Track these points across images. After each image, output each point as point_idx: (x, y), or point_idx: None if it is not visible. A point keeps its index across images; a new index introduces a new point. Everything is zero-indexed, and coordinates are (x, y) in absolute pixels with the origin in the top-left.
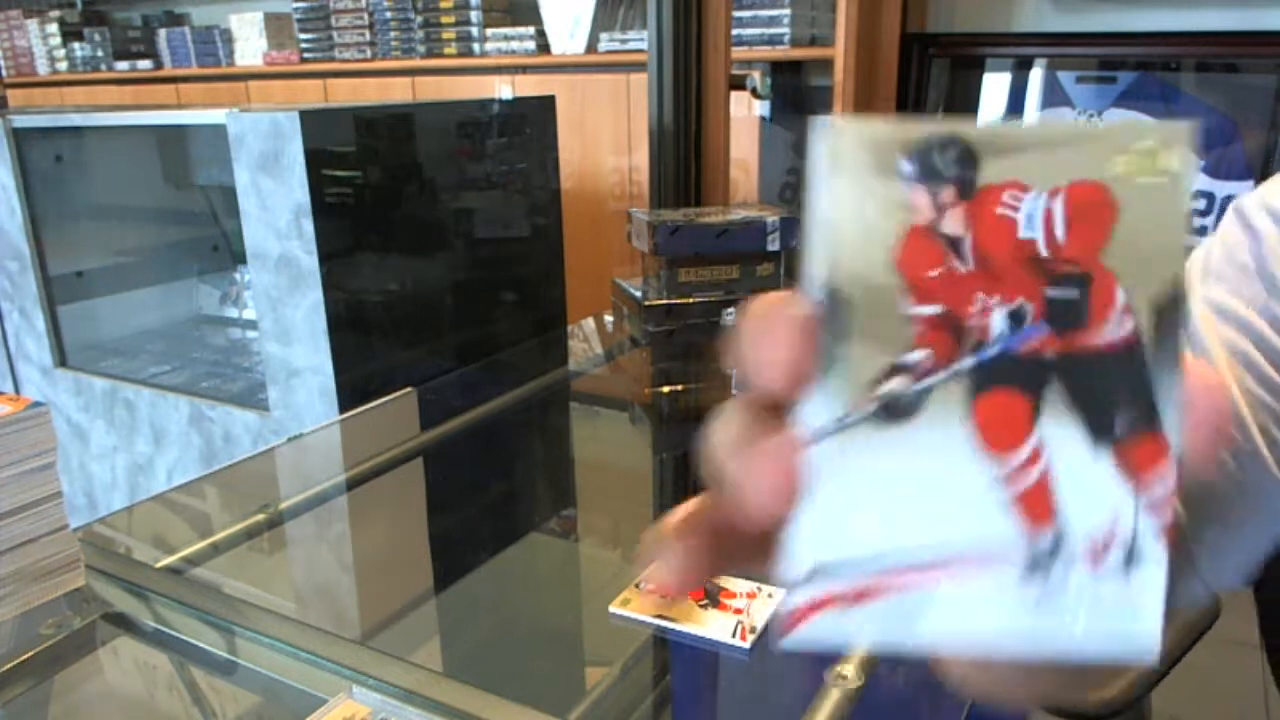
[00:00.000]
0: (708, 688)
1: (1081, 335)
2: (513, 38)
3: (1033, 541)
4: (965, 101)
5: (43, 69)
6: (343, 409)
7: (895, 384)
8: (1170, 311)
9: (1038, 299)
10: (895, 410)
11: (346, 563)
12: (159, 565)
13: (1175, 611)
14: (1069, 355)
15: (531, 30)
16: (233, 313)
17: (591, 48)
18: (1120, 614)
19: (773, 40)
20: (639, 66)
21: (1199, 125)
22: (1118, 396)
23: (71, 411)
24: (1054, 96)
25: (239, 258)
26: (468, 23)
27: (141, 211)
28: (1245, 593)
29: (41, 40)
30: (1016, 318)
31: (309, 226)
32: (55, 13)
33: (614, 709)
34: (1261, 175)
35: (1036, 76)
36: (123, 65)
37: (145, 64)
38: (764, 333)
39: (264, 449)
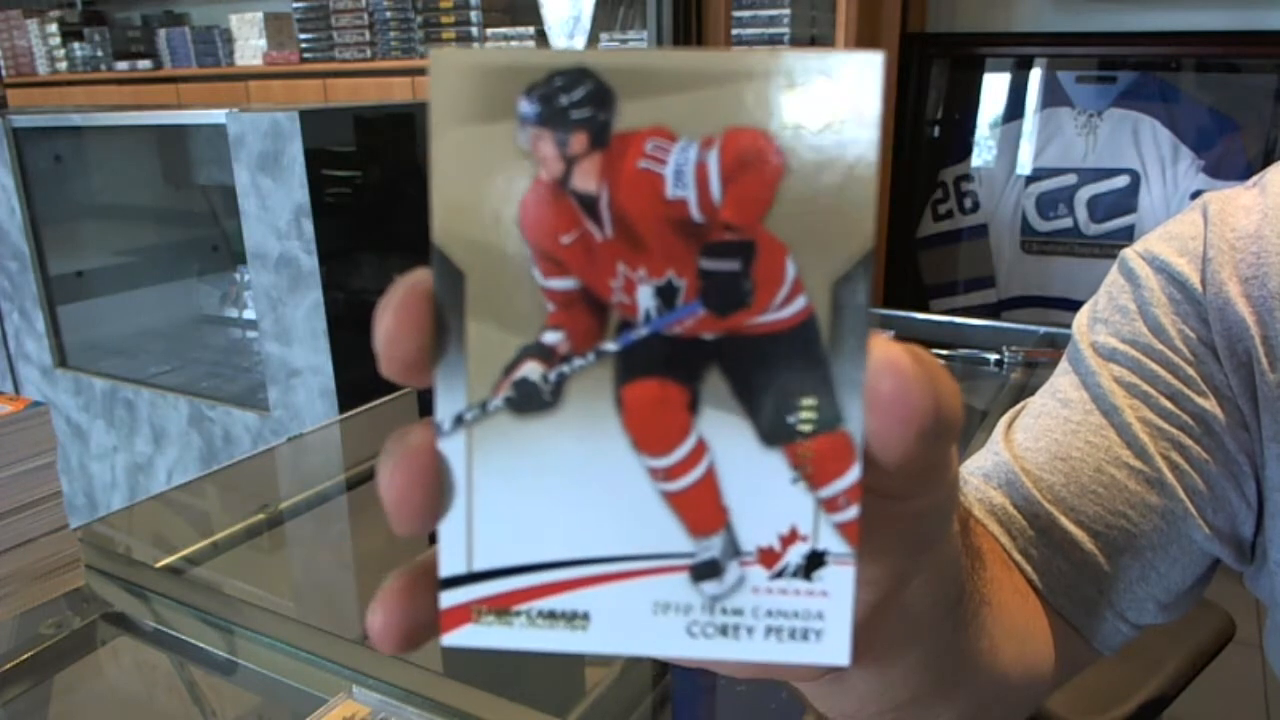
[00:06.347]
0: (707, 688)
1: (745, 315)
2: (513, 37)
3: (700, 543)
4: (965, 101)
5: (43, 69)
6: (343, 409)
7: (527, 370)
8: (851, 288)
9: (690, 272)
10: (530, 400)
11: (346, 563)
12: (159, 565)
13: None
14: (731, 338)
15: (531, 30)
16: (233, 313)
17: (591, 47)
18: (804, 616)
19: (773, 40)
20: None
21: (884, 58)
22: (788, 385)
23: (71, 411)
24: (1054, 96)
25: (239, 258)
26: (468, 22)
27: (141, 211)
28: (1245, 592)
29: (41, 40)
30: (666, 294)
31: (309, 226)
32: (55, 13)
33: (614, 709)
34: None
35: (1036, 76)
36: (123, 65)
37: (145, 64)
38: (384, 308)
39: (264, 449)
